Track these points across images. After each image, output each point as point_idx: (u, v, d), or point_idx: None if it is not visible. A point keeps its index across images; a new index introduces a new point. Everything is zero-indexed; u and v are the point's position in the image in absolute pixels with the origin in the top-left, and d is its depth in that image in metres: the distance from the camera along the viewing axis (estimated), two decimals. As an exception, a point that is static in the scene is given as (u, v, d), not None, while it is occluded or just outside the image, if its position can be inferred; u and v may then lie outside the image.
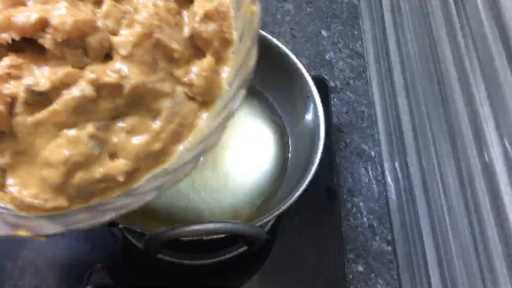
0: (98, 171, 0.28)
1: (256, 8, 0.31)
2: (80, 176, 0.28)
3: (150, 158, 0.30)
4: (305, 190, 0.42)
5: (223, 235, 0.39)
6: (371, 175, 0.67)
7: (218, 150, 0.51)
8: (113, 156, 0.29)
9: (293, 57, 0.50)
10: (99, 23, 0.28)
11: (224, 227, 0.37)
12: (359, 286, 0.59)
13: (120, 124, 0.29)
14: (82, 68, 0.29)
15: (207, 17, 0.30)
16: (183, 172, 0.28)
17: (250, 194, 0.50)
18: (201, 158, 0.28)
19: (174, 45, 0.30)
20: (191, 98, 0.31)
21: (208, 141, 0.29)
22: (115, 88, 0.28)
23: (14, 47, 0.28)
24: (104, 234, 0.55)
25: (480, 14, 0.43)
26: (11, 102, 0.28)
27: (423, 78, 0.55)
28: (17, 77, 0.28)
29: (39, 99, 0.28)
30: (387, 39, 0.67)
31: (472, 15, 0.45)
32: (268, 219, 0.41)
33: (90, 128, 0.28)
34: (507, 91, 0.39)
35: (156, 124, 0.30)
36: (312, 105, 0.48)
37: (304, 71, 0.49)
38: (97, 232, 0.55)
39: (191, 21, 0.31)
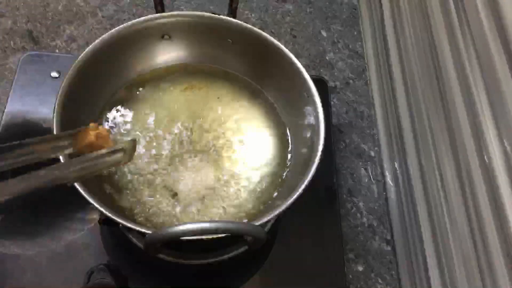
0: None
1: None
2: None
3: None
4: (305, 190, 0.42)
5: (223, 235, 0.39)
6: (370, 175, 0.67)
7: (218, 151, 0.51)
8: None
9: (293, 57, 0.50)
10: None
11: (224, 227, 0.37)
12: (359, 286, 0.59)
13: None
14: None
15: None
16: None
17: (250, 194, 0.50)
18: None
19: None
20: None
21: None
22: None
23: None
24: (104, 234, 0.55)
25: (479, 14, 0.43)
26: None
27: (422, 78, 0.56)
28: None
29: None
30: (387, 39, 0.67)
31: (471, 15, 0.45)
32: (268, 219, 0.41)
33: None
34: (506, 91, 0.39)
35: None
36: (312, 105, 0.48)
37: (304, 71, 0.49)
38: (98, 232, 0.55)
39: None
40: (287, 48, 0.50)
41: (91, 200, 0.40)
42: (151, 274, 0.53)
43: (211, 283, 0.54)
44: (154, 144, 0.51)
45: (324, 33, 0.78)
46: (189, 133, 0.52)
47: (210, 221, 0.37)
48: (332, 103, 0.70)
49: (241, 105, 0.55)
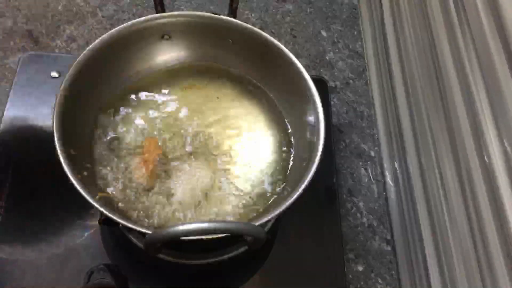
0: None
1: None
2: None
3: None
4: (305, 190, 0.42)
5: (223, 235, 0.39)
6: (370, 175, 0.67)
7: (219, 151, 0.51)
8: None
9: (293, 57, 0.50)
10: None
11: (224, 227, 0.37)
12: (359, 286, 0.59)
13: None
14: None
15: None
16: None
17: (251, 194, 0.50)
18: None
19: None
20: None
21: None
22: None
23: None
24: (104, 234, 0.55)
25: (479, 14, 0.43)
26: None
27: (422, 78, 0.56)
28: None
29: None
30: (387, 39, 0.67)
31: (471, 15, 0.45)
32: (268, 219, 0.41)
33: None
34: (506, 91, 0.39)
35: None
36: (312, 105, 0.48)
37: (304, 71, 0.49)
38: (98, 232, 0.55)
39: None
40: (287, 48, 0.50)
41: (91, 201, 0.40)
42: (151, 274, 0.53)
43: (211, 283, 0.54)
44: (143, 146, 0.51)
45: (324, 33, 0.78)
46: (188, 133, 0.52)
47: (210, 221, 0.37)
48: (332, 103, 0.70)
49: (241, 105, 0.55)
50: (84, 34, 0.73)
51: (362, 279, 0.59)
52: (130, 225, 0.40)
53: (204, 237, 0.39)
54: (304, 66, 0.49)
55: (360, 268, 0.60)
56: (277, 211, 0.41)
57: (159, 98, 0.54)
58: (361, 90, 0.73)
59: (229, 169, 0.51)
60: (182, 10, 0.77)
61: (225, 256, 0.51)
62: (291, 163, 0.52)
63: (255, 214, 0.48)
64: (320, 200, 0.60)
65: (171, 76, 0.56)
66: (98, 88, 0.52)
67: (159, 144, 0.51)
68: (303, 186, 0.42)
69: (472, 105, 0.44)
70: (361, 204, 0.64)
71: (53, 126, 0.43)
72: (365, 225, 0.63)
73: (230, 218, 0.48)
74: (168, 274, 0.54)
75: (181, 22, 0.53)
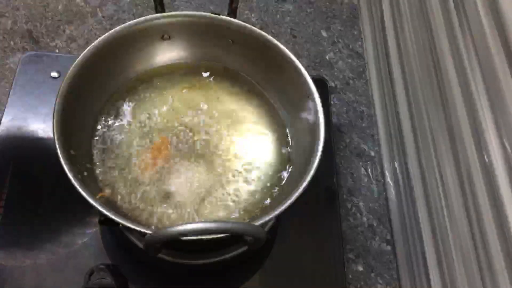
0: None
1: None
2: None
3: None
4: (305, 190, 0.42)
5: (223, 235, 0.39)
6: (371, 175, 0.67)
7: (219, 151, 0.51)
8: None
9: (293, 57, 0.50)
10: None
11: (224, 227, 0.37)
12: (359, 285, 0.59)
13: None
14: None
15: None
16: None
17: (250, 195, 0.50)
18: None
19: None
20: None
21: None
22: None
23: None
24: (104, 234, 0.55)
25: (479, 14, 0.43)
26: None
27: (422, 78, 0.56)
28: None
29: None
30: (387, 39, 0.67)
31: (471, 15, 0.45)
32: (268, 219, 0.41)
33: None
34: (506, 91, 0.39)
35: None
36: (312, 105, 0.48)
37: (304, 71, 0.49)
38: (98, 232, 0.55)
39: None
40: (287, 48, 0.50)
41: (91, 201, 0.40)
42: (151, 274, 0.53)
43: (211, 283, 0.54)
44: (153, 144, 0.51)
45: (324, 33, 0.78)
46: (188, 133, 0.52)
47: (210, 221, 0.37)
48: (332, 103, 0.70)
49: (241, 105, 0.55)
50: (84, 34, 0.73)
51: (362, 279, 0.59)
52: (130, 225, 0.40)
53: (204, 237, 0.39)
54: (304, 66, 0.49)
55: (360, 268, 0.60)
56: (277, 211, 0.41)
57: (158, 98, 0.54)
58: (361, 90, 0.73)
59: (228, 169, 0.51)
60: (182, 10, 0.77)
61: (225, 256, 0.51)
62: (291, 163, 0.52)
63: (254, 214, 0.49)
64: (320, 200, 0.60)
65: (171, 76, 0.56)
66: (98, 88, 0.52)
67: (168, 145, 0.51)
68: (303, 186, 0.42)
69: (472, 105, 0.44)
70: (361, 204, 0.64)
71: (53, 126, 0.43)
72: (365, 225, 0.63)
73: (229, 218, 0.48)
74: (168, 274, 0.54)
75: (181, 22, 0.53)
